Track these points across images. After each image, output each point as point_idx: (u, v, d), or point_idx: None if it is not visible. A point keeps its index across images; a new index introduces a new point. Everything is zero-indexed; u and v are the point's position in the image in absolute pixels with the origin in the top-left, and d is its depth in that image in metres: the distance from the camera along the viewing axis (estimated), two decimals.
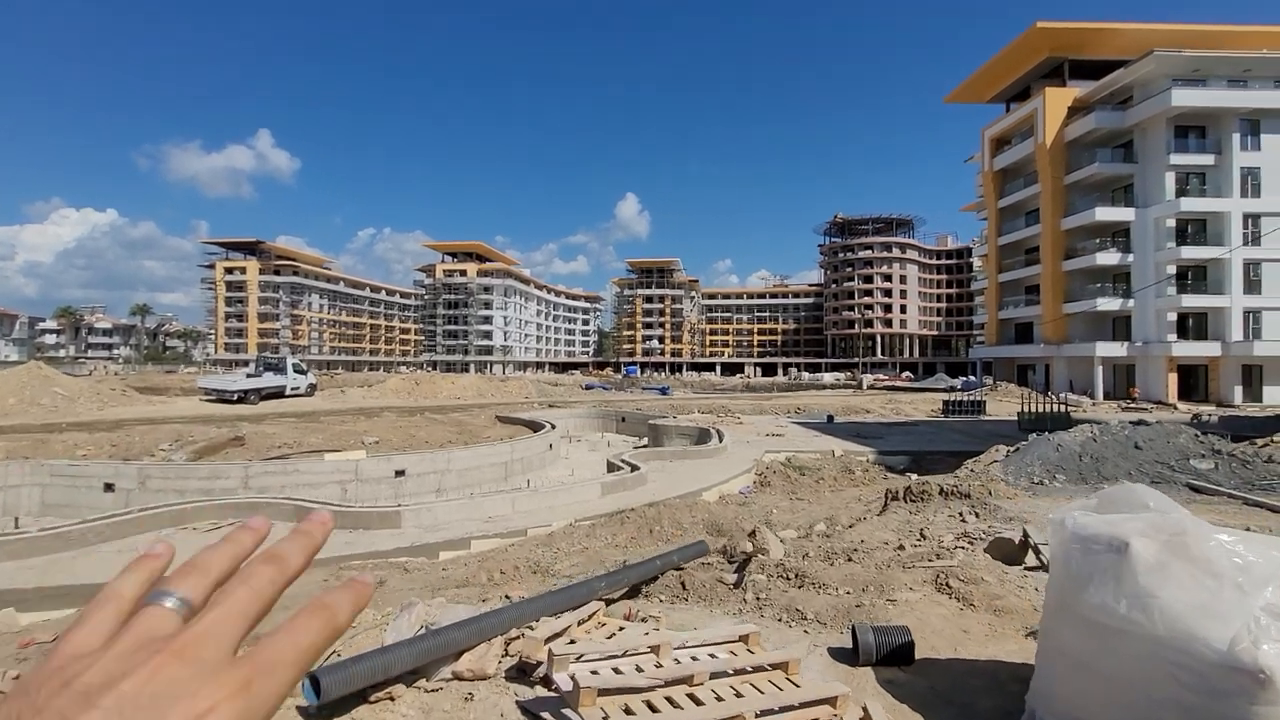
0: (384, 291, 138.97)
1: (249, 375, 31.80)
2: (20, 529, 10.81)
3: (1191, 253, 40.06)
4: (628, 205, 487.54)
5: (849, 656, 3.92)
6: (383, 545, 9.43)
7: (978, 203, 64.33)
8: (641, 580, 5.41)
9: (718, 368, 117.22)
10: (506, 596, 7.60)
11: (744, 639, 3.53)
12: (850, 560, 5.88)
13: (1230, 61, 40.15)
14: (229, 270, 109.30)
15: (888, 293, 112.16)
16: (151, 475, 13.72)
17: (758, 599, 4.95)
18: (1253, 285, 40.14)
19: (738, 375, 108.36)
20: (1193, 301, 40.31)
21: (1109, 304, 43.00)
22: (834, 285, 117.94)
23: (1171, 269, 40.89)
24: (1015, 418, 29.92)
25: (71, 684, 0.35)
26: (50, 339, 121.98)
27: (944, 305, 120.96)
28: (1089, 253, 43.99)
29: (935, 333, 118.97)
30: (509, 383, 48.91)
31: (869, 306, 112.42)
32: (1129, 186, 43.37)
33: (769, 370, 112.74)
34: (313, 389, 34.48)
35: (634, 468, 14.39)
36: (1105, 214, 42.52)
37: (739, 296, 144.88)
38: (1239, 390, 39.26)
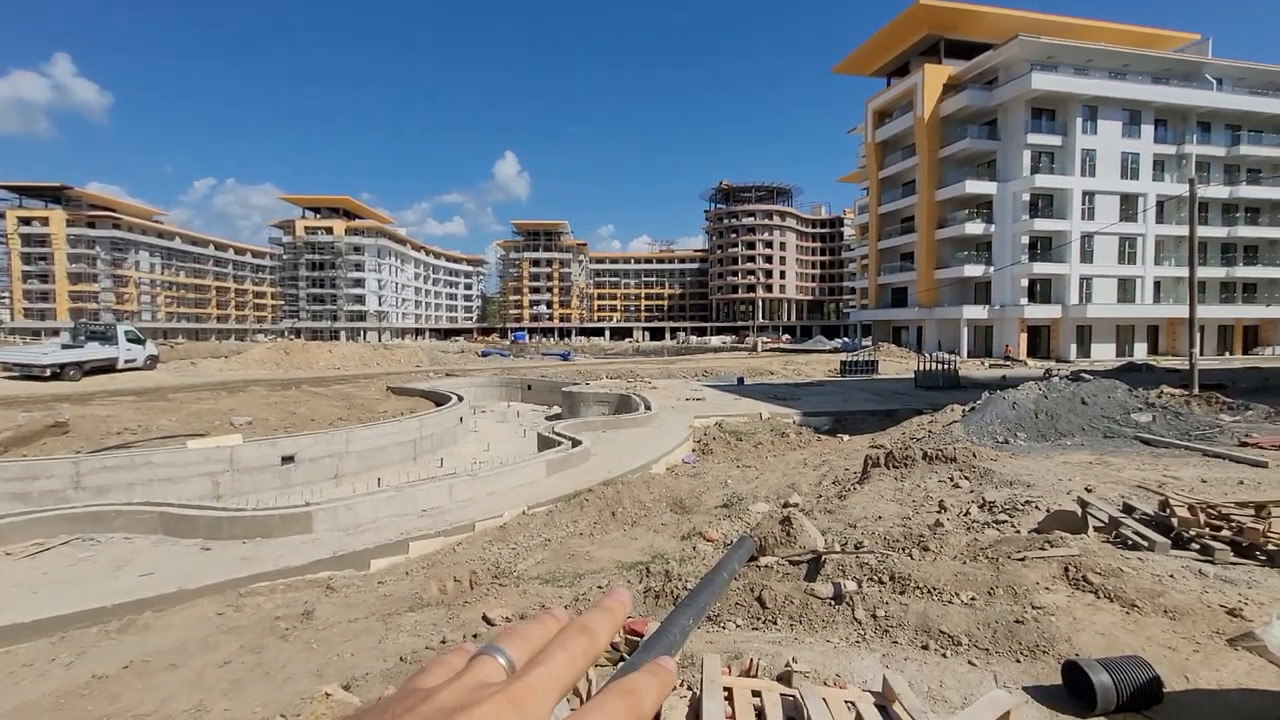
0: (232, 250, 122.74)
1: (65, 346, 26.03)
2: None
3: (1042, 225, 44.54)
4: (507, 165, 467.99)
5: (1064, 701, 2.97)
6: (294, 558, 7.40)
7: (857, 173, 67.64)
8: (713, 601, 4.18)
9: (606, 332, 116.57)
10: (485, 618, 6.07)
11: (1003, 719, 2.44)
12: (927, 550, 5.01)
13: (1076, 51, 44.45)
14: (25, 221, 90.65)
15: (769, 259, 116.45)
16: None
17: (874, 617, 3.90)
18: (1087, 255, 45.51)
19: (626, 340, 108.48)
20: (1041, 269, 45.02)
21: (974, 270, 46.99)
22: (719, 251, 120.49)
23: (1025, 239, 45.32)
24: (905, 375, 31.96)
25: (430, 700, 0.40)
26: None
27: (818, 271, 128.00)
28: (958, 223, 47.64)
29: (810, 297, 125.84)
30: (396, 350, 44.71)
31: (752, 272, 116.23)
32: (993, 162, 47.23)
33: (657, 334, 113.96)
34: (154, 361, 29.06)
35: (575, 442, 12.98)
36: (974, 187, 46.06)
37: (626, 261, 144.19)
38: (1074, 348, 44.78)
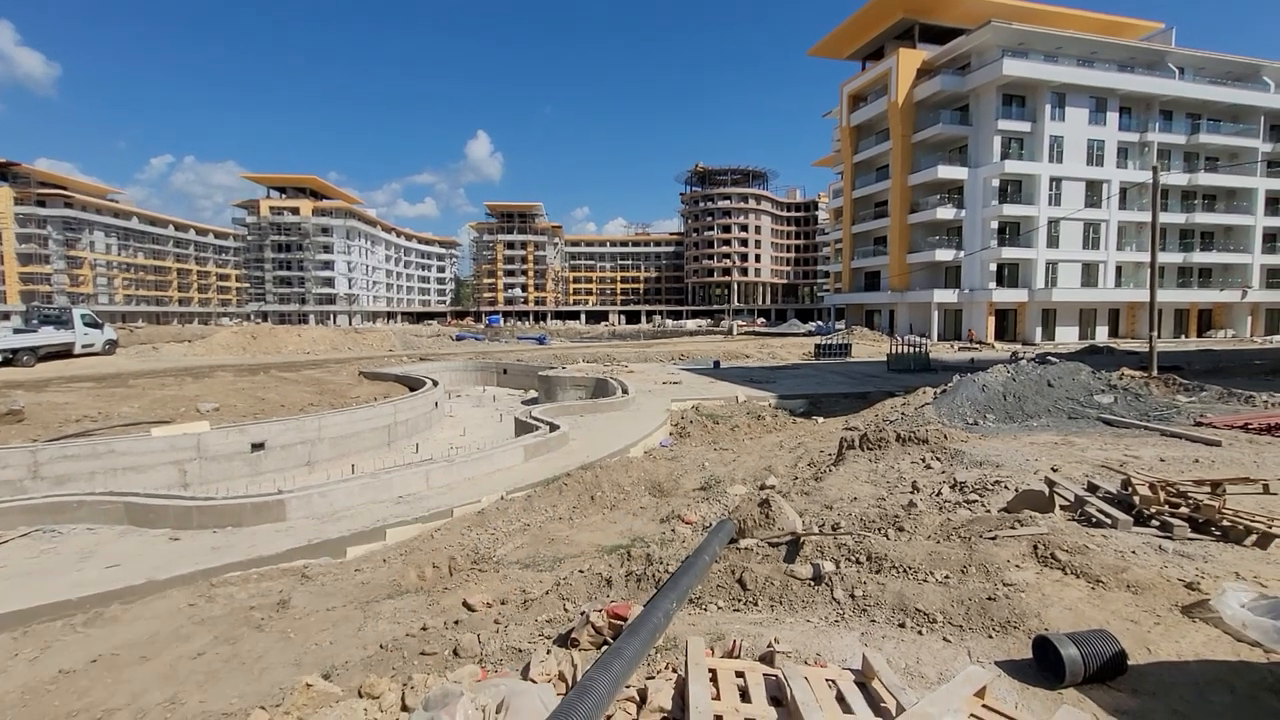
0: (193, 230, 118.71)
1: (17, 330, 25.04)
2: None
3: (1011, 210, 45.30)
4: (479, 145, 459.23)
5: (1032, 674, 3.09)
6: (267, 547, 7.27)
7: (831, 156, 67.89)
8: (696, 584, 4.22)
9: (582, 315, 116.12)
10: (466, 604, 6.06)
11: (979, 694, 2.52)
12: (902, 530, 5.13)
13: (1047, 38, 45.01)
14: None
15: (744, 242, 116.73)
16: None
17: (852, 597, 3.99)
18: (1053, 240, 46.51)
19: (602, 323, 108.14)
20: (1010, 253, 45.90)
21: (945, 255, 47.74)
22: (695, 234, 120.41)
23: (995, 224, 46.13)
24: (877, 358, 32.51)
25: None
26: None
27: (793, 255, 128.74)
28: (930, 208, 48.25)
29: (785, 281, 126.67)
30: (368, 334, 43.92)
31: (727, 255, 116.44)
32: (964, 147, 47.80)
33: (633, 318, 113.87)
34: (113, 346, 28.10)
35: (553, 426, 12.95)
36: (946, 172, 46.62)
37: (602, 244, 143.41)
38: (1039, 331, 45.94)
